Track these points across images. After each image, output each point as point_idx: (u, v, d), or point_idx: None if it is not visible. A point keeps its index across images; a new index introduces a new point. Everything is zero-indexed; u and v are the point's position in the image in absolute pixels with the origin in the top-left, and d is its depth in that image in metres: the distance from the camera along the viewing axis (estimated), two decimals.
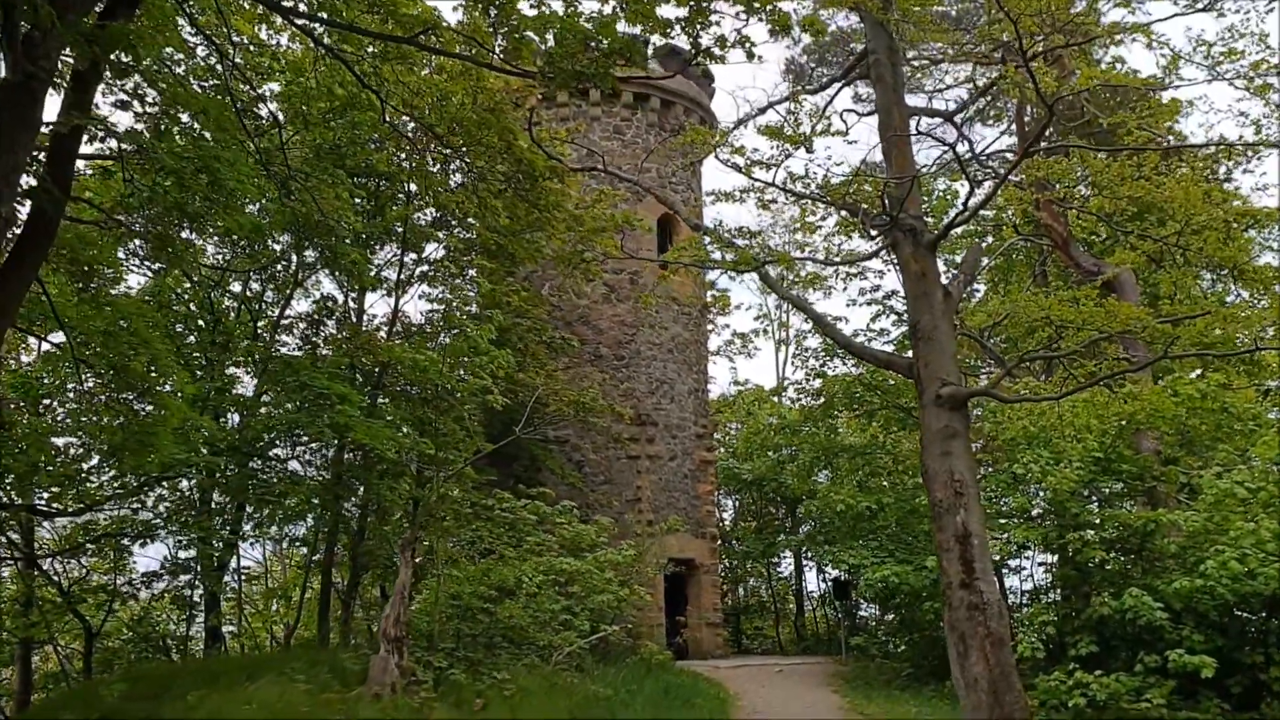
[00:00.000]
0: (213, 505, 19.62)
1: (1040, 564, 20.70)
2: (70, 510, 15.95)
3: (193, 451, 14.82)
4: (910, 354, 13.09)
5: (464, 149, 13.81)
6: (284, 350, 18.94)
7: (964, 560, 11.52)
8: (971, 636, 11.20)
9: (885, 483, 23.30)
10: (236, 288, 20.50)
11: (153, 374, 12.31)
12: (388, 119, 13.03)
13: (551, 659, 15.88)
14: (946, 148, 16.81)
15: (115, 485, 16.43)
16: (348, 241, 16.26)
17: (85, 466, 15.15)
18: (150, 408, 12.42)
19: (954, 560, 11.59)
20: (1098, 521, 17.62)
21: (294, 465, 20.01)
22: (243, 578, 24.84)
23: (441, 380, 14.36)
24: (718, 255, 14.03)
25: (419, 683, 13.39)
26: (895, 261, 13.18)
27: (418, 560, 18.43)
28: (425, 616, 15.58)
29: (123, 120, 12.73)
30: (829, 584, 29.75)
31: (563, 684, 14.57)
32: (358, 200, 18.07)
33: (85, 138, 10.72)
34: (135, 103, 10.81)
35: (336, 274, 18.61)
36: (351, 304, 20.28)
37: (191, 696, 12.56)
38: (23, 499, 15.76)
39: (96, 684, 14.28)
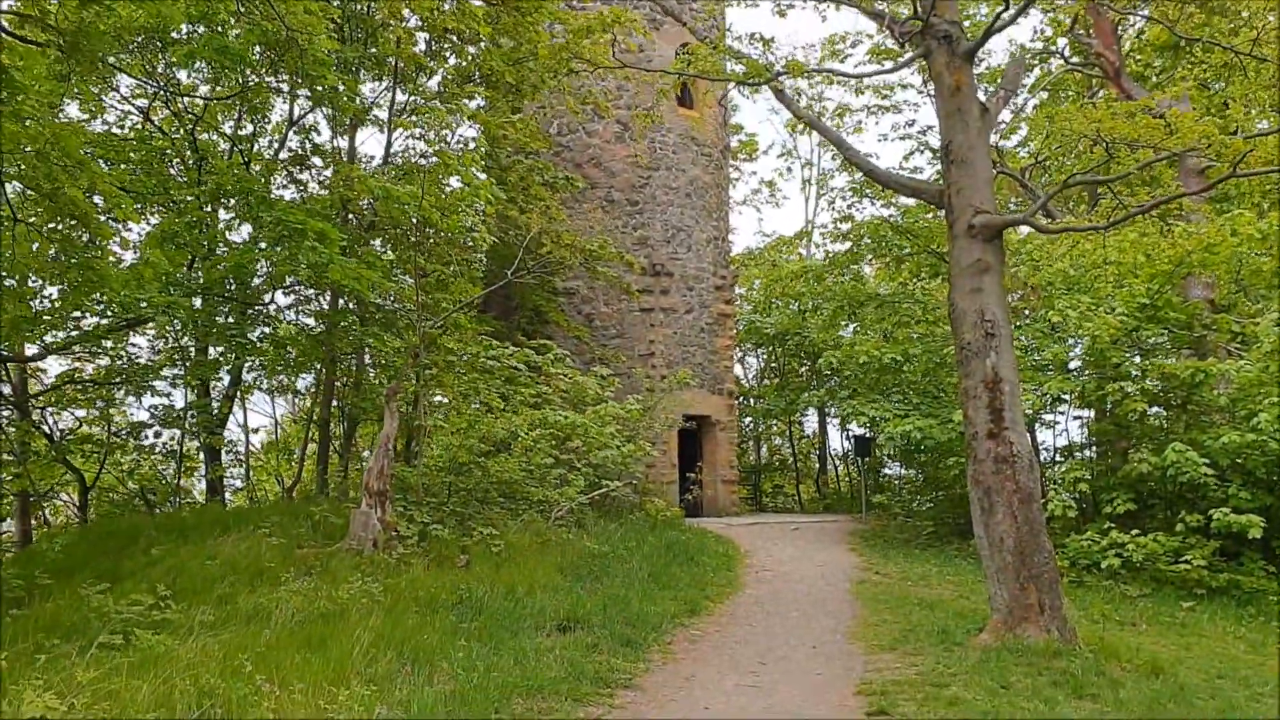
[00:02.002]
0: (207, 356, 18.86)
1: (1076, 419, 19.49)
2: (30, 356, 14.98)
3: (160, 293, 13.68)
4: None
5: None
6: (275, 193, 17.71)
7: (992, 409, 10.34)
8: (998, 492, 10.12)
9: (913, 334, 21.94)
10: (228, 128, 19.26)
11: (94, 202, 11.10)
12: None
13: (551, 515, 15.04)
14: None
15: (82, 327, 15.42)
16: (329, 66, 14.78)
17: (38, 306, 14.06)
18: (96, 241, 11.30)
19: (981, 409, 10.42)
20: (1140, 373, 16.37)
21: (289, 315, 19.14)
22: (248, 432, 24.28)
23: (421, 214, 13.00)
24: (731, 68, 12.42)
25: (402, 538, 12.55)
26: (928, 75, 11.60)
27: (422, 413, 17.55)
28: (414, 470, 14.70)
29: None
30: (852, 441, 28.82)
31: (556, 540, 13.69)
32: (344, 24, 16.58)
33: None
34: None
35: (320, 106, 17.15)
36: (341, 142, 18.99)
37: (156, 549, 11.85)
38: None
39: (41, 541, 13.58)
